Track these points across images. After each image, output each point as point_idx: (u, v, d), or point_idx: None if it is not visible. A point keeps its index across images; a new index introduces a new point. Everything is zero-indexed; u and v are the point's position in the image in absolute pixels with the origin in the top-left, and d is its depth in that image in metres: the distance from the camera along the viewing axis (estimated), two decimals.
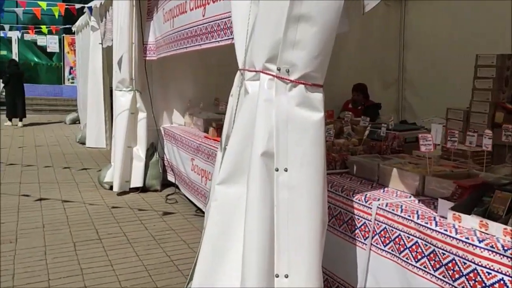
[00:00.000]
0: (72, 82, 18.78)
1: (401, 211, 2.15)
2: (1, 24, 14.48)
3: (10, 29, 15.15)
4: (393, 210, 2.19)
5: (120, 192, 5.70)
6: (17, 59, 16.98)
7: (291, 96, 1.95)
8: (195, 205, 5.06)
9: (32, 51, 19.86)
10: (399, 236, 2.12)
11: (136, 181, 5.80)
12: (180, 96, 6.25)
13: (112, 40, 7.02)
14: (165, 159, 6.05)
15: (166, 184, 5.98)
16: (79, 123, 12.19)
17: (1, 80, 13.26)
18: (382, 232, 2.22)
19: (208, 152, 4.57)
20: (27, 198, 5.50)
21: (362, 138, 3.54)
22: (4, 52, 19.00)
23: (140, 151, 5.88)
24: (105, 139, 8.84)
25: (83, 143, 9.44)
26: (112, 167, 5.86)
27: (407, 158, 3.01)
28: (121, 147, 5.73)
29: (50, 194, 5.68)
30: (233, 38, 2.46)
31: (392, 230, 2.16)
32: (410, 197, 2.42)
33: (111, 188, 5.82)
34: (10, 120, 12.69)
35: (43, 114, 15.97)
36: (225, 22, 3.43)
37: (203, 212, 3.89)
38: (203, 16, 3.91)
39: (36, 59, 20.10)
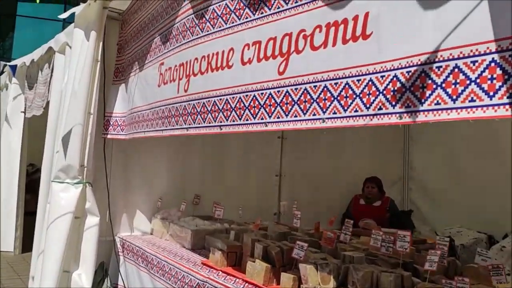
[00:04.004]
0: None
1: None
2: None
3: None
4: None
5: None
6: None
7: None
8: None
9: None
10: None
11: None
12: (148, 191, 4.41)
13: (43, 108, 5.15)
14: None
15: None
16: None
17: None
18: None
19: None
20: None
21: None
22: None
23: (83, 277, 3.80)
24: (13, 240, 6.41)
25: None
26: None
27: None
28: (53, 271, 3.64)
29: None
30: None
31: None
32: None
33: None
34: None
35: None
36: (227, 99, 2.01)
37: None
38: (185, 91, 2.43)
39: None
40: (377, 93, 1.56)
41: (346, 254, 2.32)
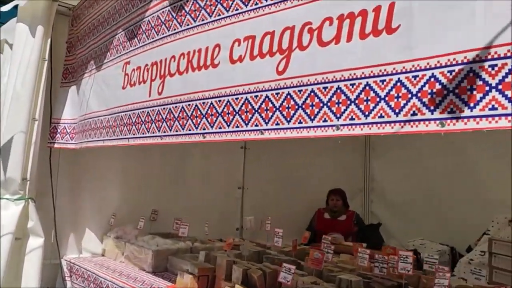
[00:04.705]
0: None
1: None
2: None
3: None
4: None
5: None
6: None
7: None
8: None
9: None
10: None
11: None
12: (99, 207, 3.96)
13: None
14: None
15: None
16: None
17: None
18: None
19: None
20: None
21: None
22: None
23: None
24: None
25: None
26: None
27: None
28: None
29: None
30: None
31: None
32: None
33: None
34: None
35: None
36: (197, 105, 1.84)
37: None
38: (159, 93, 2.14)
39: None
40: (409, 96, 1.34)
41: (342, 278, 2.08)
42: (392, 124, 1.37)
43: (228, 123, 1.87)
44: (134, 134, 2.43)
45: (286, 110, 1.69)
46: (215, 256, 2.88)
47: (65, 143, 3.47)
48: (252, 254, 2.95)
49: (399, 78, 1.38)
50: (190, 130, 2.04)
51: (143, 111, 2.38)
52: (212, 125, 1.94)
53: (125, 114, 2.53)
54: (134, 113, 2.46)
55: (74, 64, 3.51)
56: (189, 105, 2.07)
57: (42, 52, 3.39)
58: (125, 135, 2.51)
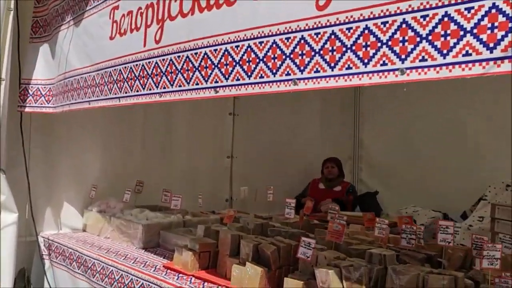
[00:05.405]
0: None
1: None
2: None
3: None
4: None
5: None
6: None
7: None
8: None
9: None
10: None
11: None
12: (78, 178, 3.60)
13: None
14: None
15: None
16: None
17: None
18: None
19: None
20: None
21: None
22: None
23: None
24: None
25: None
26: None
27: None
28: None
29: None
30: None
31: None
32: None
33: None
34: None
35: None
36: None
37: None
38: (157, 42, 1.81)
39: None
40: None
41: (373, 252, 1.84)
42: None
43: (249, 74, 1.55)
44: (126, 92, 2.07)
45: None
46: (216, 230, 2.60)
47: (40, 107, 3.06)
48: (255, 227, 2.69)
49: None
50: (198, 84, 1.70)
51: (136, 65, 2.00)
52: (227, 76, 1.61)
53: (115, 70, 2.15)
54: (125, 67, 2.07)
55: (46, 16, 3.06)
56: (196, 53, 1.72)
57: (7, 0, 2.94)
58: (115, 94, 2.15)
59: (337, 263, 1.83)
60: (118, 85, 2.12)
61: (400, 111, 5.21)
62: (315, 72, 1.37)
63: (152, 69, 1.91)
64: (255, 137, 4.67)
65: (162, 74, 1.86)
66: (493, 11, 1.03)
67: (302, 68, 1.41)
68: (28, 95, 3.10)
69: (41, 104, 3.05)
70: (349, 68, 1.29)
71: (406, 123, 5.18)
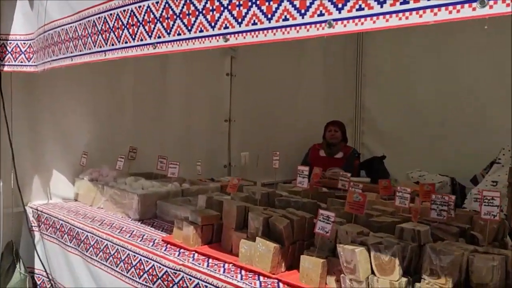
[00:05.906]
0: None
1: None
2: None
3: None
4: None
5: None
6: None
7: None
8: None
9: None
10: None
11: None
12: (66, 144, 3.33)
13: None
14: (41, 274, 3.01)
15: None
16: None
17: None
18: None
19: None
20: None
21: None
22: None
23: None
24: None
25: None
26: None
27: None
28: None
29: None
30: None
31: None
32: None
33: None
34: None
35: None
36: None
37: None
38: None
39: None
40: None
41: (404, 227, 1.63)
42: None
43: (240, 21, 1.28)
44: (113, 45, 1.77)
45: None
46: (219, 201, 2.38)
47: (20, 65, 2.75)
48: (261, 196, 2.46)
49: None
50: (202, 30, 1.42)
51: (124, 10, 1.67)
52: (240, 21, 1.33)
53: (99, 18, 1.83)
54: (111, 14, 1.75)
55: None
56: None
57: None
58: (101, 46, 1.85)
59: (363, 240, 1.62)
60: (103, 36, 1.81)
61: (403, 70, 4.97)
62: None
63: (144, 15, 1.60)
64: (254, 99, 4.39)
65: (156, 20, 1.55)
66: None
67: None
68: (7, 52, 2.78)
69: (21, 62, 2.73)
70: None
71: (410, 83, 4.95)
